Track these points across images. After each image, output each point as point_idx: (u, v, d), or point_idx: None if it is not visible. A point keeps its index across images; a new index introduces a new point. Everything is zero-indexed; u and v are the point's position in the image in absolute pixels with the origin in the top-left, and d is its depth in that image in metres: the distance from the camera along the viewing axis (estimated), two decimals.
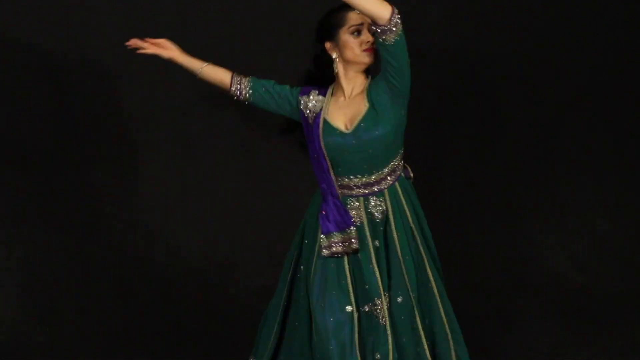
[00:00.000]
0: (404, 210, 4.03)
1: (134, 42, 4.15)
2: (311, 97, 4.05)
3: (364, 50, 3.93)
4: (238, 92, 4.12)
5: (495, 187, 5.97)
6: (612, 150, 5.97)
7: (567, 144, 5.97)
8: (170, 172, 5.80)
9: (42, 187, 5.70)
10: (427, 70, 5.45)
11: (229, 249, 5.85)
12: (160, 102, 5.72)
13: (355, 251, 3.95)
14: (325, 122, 3.98)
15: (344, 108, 4.00)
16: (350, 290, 3.95)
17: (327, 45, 4.02)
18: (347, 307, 3.93)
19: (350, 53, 3.94)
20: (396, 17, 3.73)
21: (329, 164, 3.98)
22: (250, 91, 4.11)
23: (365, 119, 3.93)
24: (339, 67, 4.02)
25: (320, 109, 4.02)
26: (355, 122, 3.94)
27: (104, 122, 5.69)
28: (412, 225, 4.02)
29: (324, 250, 3.94)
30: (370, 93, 3.95)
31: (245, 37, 5.71)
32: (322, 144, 3.96)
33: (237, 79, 4.12)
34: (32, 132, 5.66)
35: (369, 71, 4.04)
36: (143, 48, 4.15)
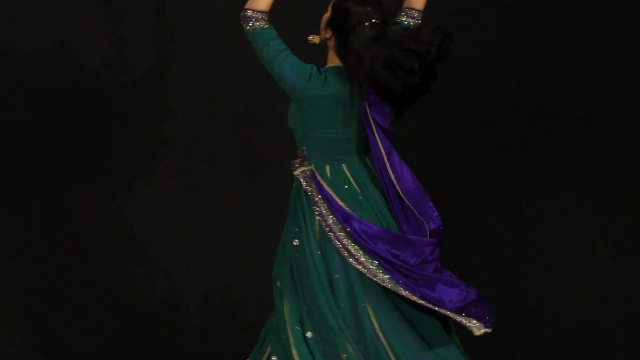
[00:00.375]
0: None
1: None
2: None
3: None
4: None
5: (495, 218, 6.00)
6: (614, 184, 5.99)
7: (567, 178, 5.98)
8: (171, 206, 5.84)
9: (36, 216, 5.71)
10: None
11: (230, 284, 5.88)
12: (161, 136, 5.78)
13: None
14: None
15: None
16: None
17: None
18: None
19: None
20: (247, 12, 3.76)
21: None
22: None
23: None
24: None
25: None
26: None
27: (103, 156, 5.73)
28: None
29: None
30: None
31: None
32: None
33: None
34: (30, 161, 5.69)
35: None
36: None
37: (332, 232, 3.67)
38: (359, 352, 3.64)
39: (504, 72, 5.89)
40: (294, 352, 3.65)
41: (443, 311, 3.62)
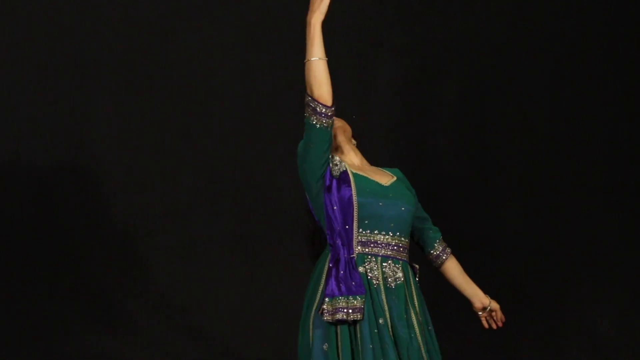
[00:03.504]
0: (414, 296, 3.79)
1: None
2: (336, 158, 3.87)
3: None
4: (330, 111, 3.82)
5: (492, 292, 5.81)
6: (615, 252, 5.97)
7: (567, 248, 5.97)
8: (171, 275, 5.75)
9: (36, 296, 5.60)
10: None
11: (229, 353, 5.75)
12: (159, 206, 5.72)
13: (354, 323, 3.66)
14: (356, 174, 3.81)
15: (366, 170, 3.92)
16: None
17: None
18: None
19: None
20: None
21: (355, 213, 3.73)
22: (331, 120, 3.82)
23: (398, 182, 3.90)
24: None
25: (345, 167, 3.84)
26: (391, 181, 3.86)
27: (101, 228, 5.65)
28: (421, 318, 3.78)
29: (325, 315, 3.64)
30: (389, 170, 3.97)
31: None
32: (354, 191, 3.75)
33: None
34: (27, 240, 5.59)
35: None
36: None
37: None
38: None
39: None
40: None
41: None
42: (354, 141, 4.03)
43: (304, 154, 3.75)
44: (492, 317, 4.01)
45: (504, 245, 6.00)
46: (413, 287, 3.76)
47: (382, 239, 3.74)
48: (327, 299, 3.64)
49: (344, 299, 3.63)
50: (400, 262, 3.75)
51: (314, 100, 3.76)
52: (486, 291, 5.88)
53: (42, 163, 5.58)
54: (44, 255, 5.58)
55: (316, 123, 3.74)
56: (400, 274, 3.73)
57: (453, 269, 3.99)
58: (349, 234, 3.73)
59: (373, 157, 5.90)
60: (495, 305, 3.99)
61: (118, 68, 5.65)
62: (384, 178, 3.86)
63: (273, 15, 5.82)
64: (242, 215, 5.76)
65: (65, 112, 5.61)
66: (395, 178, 3.88)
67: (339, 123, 3.97)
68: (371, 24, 5.95)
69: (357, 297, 3.63)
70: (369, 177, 3.83)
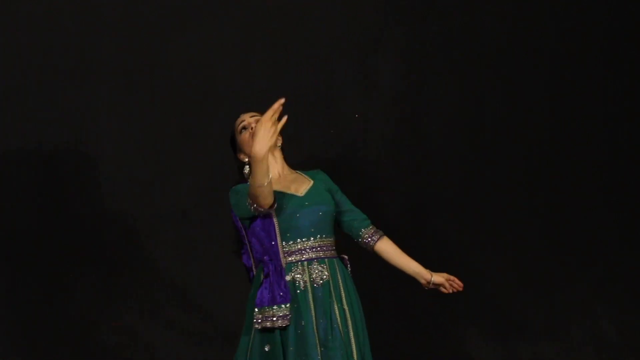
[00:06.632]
0: (340, 288, 4.17)
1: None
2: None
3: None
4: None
5: (495, 291, 5.97)
6: (615, 252, 6.01)
7: (568, 247, 6.01)
8: (171, 275, 5.75)
9: (31, 300, 5.59)
10: None
11: (230, 354, 5.68)
12: (159, 206, 5.73)
13: (271, 330, 4.07)
14: (275, 192, 4.10)
15: (284, 182, 4.25)
16: None
17: (239, 155, 4.36)
18: None
19: (248, 148, 4.20)
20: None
21: (277, 230, 4.12)
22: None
23: (315, 187, 4.24)
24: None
25: None
26: (307, 188, 4.22)
27: (100, 228, 5.65)
28: (346, 307, 4.15)
29: (255, 323, 4.08)
30: (309, 175, 4.31)
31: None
32: (273, 211, 4.12)
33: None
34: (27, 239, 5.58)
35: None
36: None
37: None
38: None
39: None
40: None
41: None
42: (278, 143, 4.31)
43: (236, 206, 4.18)
44: (452, 286, 4.32)
45: (504, 244, 5.99)
46: (340, 281, 4.17)
47: (304, 245, 4.13)
48: (256, 309, 4.08)
49: (269, 308, 4.05)
50: (326, 259, 4.15)
51: (257, 207, 4.06)
52: (491, 286, 5.91)
53: (41, 163, 5.57)
54: (44, 255, 5.58)
55: (254, 211, 4.09)
56: (325, 272, 4.13)
57: (386, 252, 4.31)
58: (274, 249, 4.13)
59: (373, 156, 5.93)
60: (438, 278, 4.29)
61: (118, 68, 5.64)
62: (301, 187, 4.23)
63: (273, 15, 5.81)
64: None
65: (66, 112, 5.60)
66: (312, 183, 4.25)
67: None
68: (372, 24, 5.95)
69: (282, 305, 4.05)
70: (285, 191, 4.18)
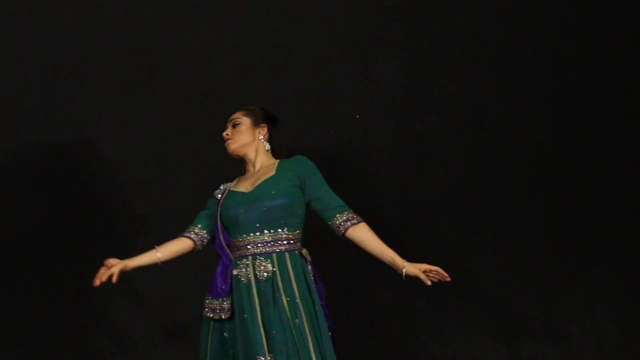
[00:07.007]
0: (291, 282, 4.25)
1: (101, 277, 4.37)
2: (221, 187, 4.55)
3: (225, 141, 4.53)
4: (202, 243, 4.53)
5: (496, 291, 5.97)
6: (615, 252, 5.99)
7: (568, 247, 5.99)
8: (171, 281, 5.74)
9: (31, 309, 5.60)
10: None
11: None
12: (160, 206, 5.75)
13: (221, 320, 4.28)
14: (229, 191, 4.44)
15: (249, 178, 4.46)
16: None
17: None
18: None
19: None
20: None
21: (221, 227, 4.37)
22: (205, 231, 4.51)
23: (270, 180, 4.35)
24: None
25: (224, 191, 4.50)
26: (257, 183, 4.34)
27: (101, 228, 5.67)
28: (299, 301, 4.22)
29: (205, 310, 4.32)
30: (281, 165, 4.40)
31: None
32: (220, 208, 4.37)
33: (193, 235, 4.51)
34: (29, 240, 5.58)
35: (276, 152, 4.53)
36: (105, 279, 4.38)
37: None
38: None
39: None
40: None
41: None
42: (261, 136, 4.50)
43: None
44: (432, 278, 4.24)
45: (504, 244, 5.99)
46: (292, 274, 4.24)
47: (250, 240, 4.28)
48: (205, 300, 4.33)
49: (211, 300, 4.29)
50: (273, 254, 4.25)
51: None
52: (491, 287, 5.90)
53: (42, 163, 5.57)
54: (44, 255, 5.57)
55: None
56: (269, 267, 4.22)
57: (359, 239, 4.31)
58: (223, 244, 4.35)
59: (373, 156, 5.92)
60: (411, 270, 4.22)
61: (118, 68, 5.64)
62: (257, 182, 4.36)
63: (273, 15, 5.81)
64: None
65: (66, 112, 5.59)
66: (269, 175, 4.36)
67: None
68: (372, 24, 5.94)
69: (220, 299, 4.26)
70: (237, 189, 4.39)
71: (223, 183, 4.57)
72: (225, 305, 4.25)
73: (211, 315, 4.28)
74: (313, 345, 4.15)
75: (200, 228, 4.51)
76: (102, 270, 4.35)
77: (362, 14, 5.92)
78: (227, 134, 4.52)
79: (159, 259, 4.43)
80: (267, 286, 4.21)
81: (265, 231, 4.26)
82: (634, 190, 6.04)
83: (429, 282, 4.22)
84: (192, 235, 4.49)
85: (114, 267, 4.34)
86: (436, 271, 4.22)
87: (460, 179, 5.98)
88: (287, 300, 4.19)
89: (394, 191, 5.93)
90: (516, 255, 5.98)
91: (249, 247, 4.27)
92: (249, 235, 4.28)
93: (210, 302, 4.31)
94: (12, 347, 5.54)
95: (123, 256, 5.42)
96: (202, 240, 4.51)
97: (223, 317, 4.25)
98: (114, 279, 4.33)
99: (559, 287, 5.99)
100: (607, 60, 6.08)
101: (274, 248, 4.26)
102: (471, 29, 5.99)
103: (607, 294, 5.97)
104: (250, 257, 4.26)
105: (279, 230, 4.26)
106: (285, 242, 4.27)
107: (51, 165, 5.58)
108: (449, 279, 4.22)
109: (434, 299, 5.86)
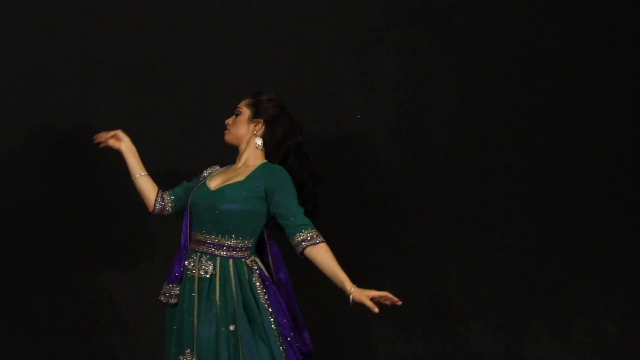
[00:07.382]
0: (232, 291, 4.23)
1: (98, 137, 4.57)
2: (209, 169, 4.57)
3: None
4: (161, 209, 4.56)
5: (497, 291, 5.98)
6: (615, 252, 6.01)
7: (569, 247, 6.00)
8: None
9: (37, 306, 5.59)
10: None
11: None
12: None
13: (173, 305, 4.34)
14: (204, 182, 4.41)
15: (226, 174, 4.41)
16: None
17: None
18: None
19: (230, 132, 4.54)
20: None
21: (189, 216, 4.37)
22: (172, 203, 4.55)
23: (237, 184, 4.24)
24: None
25: (201, 179, 4.49)
26: (223, 184, 4.30)
27: (101, 228, 5.66)
28: (237, 308, 4.21)
29: (161, 295, 4.38)
30: (255, 171, 4.32)
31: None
32: (190, 199, 4.37)
33: (159, 197, 4.55)
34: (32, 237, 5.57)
35: (271, 152, 4.43)
36: (103, 142, 4.56)
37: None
38: None
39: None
40: None
41: None
42: (259, 142, 4.40)
43: None
44: (385, 302, 4.09)
45: (504, 243, 5.99)
46: (233, 283, 4.22)
47: (202, 237, 4.29)
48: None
49: (165, 284, 4.34)
50: (217, 258, 4.24)
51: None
52: (491, 286, 5.89)
53: (42, 163, 5.57)
54: (44, 255, 5.57)
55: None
56: (210, 269, 4.24)
57: (314, 260, 4.18)
58: (188, 233, 4.37)
59: (373, 156, 5.92)
60: (358, 297, 4.05)
61: (118, 68, 5.64)
62: (226, 181, 4.32)
63: (273, 15, 5.81)
64: None
65: (66, 111, 5.59)
66: (239, 179, 4.29)
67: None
68: (373, 23, 5.94)
69: (171, 284, 4.32)
70: (207, 183, 4.37)
71: (213, 166, 4.58)
72: (174, 291, 4.32)
73: (162, 298, 4.34)
74: (250, 353, 4.14)
75: (168, 195, 4.56)
76: (109, 134, 4.56)
77: (362, 14, 5.92)
78: (227, 123, 4.50)
79: (136, 177, 4.56)
80: (206, 286, 4.24)
81: (215, 233, 4.26)
82: (634, 191, 6.05)
83: (376, 310, 4.03)
84: (158, 197, 4.55)
85: (120, 141, 4.57)
86: (385, 297, 4.06)
87: (461, 178, 5.98)
88: (219, 305, 4.20)
89: (394, 190, 5.93)
90: (516, 255, 5.98)
91: (199, 243, 4.30)
92: (201, 233, 4.29)
93: (165, 286, 4.36)
94: (12, 347, 5.54)
95: (123, 256, 5.42)
96: (163, 207, 4.55)
97: (171, 302, 4.31)
98: (109, 143, 4.56)
99: (559, 287, 5.99)
100: (607, 61, 6.08)
101: (219, 252, 4.26)
102: (471, 29, 5.99)
103: (608, 294, 5.97)
104: (198, 254, 4.29)
105: (226, 236, 4.25)
106: (231, 249, 4.25)
107: (51, 165, 5.57)
108: (400, 303, 4.05)
109: (433, 298, 5.86)
